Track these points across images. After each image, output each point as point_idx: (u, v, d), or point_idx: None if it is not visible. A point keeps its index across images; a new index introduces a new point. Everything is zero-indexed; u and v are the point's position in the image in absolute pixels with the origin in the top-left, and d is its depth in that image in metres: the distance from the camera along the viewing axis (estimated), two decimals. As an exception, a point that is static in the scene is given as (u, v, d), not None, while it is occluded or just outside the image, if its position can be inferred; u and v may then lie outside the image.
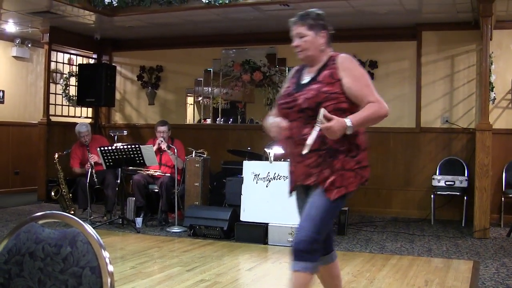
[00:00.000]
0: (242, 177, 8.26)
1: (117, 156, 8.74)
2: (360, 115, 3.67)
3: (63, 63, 13.14)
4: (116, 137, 9.60)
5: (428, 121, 10.70)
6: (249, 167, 8.22)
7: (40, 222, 2.30)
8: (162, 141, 9.51)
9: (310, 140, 3.62)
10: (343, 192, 3.74)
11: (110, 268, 2.09)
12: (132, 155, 8.76)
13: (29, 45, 12.89)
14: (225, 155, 10.65)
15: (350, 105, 3.76)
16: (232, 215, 8.19)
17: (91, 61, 13.38)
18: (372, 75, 11.07)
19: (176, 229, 8.69)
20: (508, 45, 10.13)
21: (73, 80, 13.12)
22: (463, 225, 9.62)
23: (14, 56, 12.72)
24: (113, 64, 12.97)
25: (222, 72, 12.04)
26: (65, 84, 13.06)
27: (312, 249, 3.69)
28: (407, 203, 10.80)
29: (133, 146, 8.79)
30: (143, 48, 12.95)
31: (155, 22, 11.01)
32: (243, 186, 8.19)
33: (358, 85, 3.74)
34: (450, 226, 9.63)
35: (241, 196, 8.17)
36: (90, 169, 9.32)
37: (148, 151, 8.88)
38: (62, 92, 13.01)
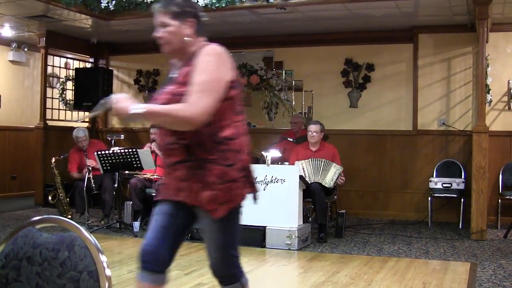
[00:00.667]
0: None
1: (114, 160, 8.73)
2: (158, 106, 3.13)
3: (60, 67, 13.13)
4: (113, 141, 9.60)
5: (425, 124, 10.72)
6: (246, 171, 8.20)
7: (38, 226, 2.31)
8: (152, 143, 9.52)
9: (91, 113, 3.24)
10: (231, 206, 3.23)
11: (108, 272, 2.09)
12: (129, 159, 8.75)
13: (26, 49, 12.88)
14: (222, 159, 10.62)
15: (218, 104, 3.13)
16: (229, 219, 8.17)
17: (88, 65, 13.36)
18: (369, 78, 11.11)
19: (173, 233, 8.66)
20: (504, 47, 10.15)
21: (70, 84, 13.10)
22: (460, 227, 9.63)
23: (10, 61, 12.71)
24: (110, 68, 12.96)
25: (219, 75, 12.00)
26: (62, 88, 13.05)
27: (234, 274, 3.54)
28: (404, 206, 10.81)
29: (130, 150, 8.78)
30: (140, 52, 12.93)
31: (152, 25, 10.89)
32: (240, 189, 8.17)
33: (194, 79, 3.12)
34: (447, 228, 9.64)
35: (239, 199, 8.15)
36: (87, 174, 9.32)
37: (145, 155, 8.87)
38: (59, 96, 12.99)
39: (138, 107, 3.03)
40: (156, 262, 3.46)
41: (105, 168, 8.79)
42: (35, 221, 2.32)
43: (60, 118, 12.90)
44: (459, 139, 10.50)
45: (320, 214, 8.38)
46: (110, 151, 8.77)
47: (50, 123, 12.11)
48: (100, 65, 13.13)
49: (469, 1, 8.75)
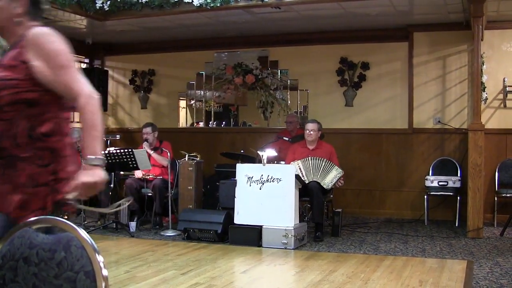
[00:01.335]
0: (236, 180, 8.25)
1: (110, 161, 8.72)
2: (96, 133, 2.79)
3: (55, 68, 13.08)
4: (109, 141, 9.61)
5: (420, 122, 10.72)
6: (243, 170, 8.22)
7: (34, 227, 2.30)
8: (144, 143, 9.55)
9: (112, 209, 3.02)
10: (44, 214, 2.64)
11: (105, 272, 2.09)
12: (125, 160, 8.74)
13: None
14: (218, 158, 10.65)
15: (43, 95, 2.76)
16: (226, 218, 8.19)
17: (83, 66, 13.34)
18: (364, 77, 11.11)
19: (170, 233, 8.68)
20: (499, 45, 10.17)
21: (65, 85, 13.06)
22: (456, 225, 9.64)
23: (5, 62, 12.67)
24: (105, 69, 12.95)
25: (214, 75, 12.03)
26: (57, 89, 13.01)
27: None
28: (400, 204, 10.82)
29: (126, 150, 8.77)
30: (135, 52, 12.93)
31: (146, 26, 11.00)
32: (236, 189, 8.19)
33: (51, 67, 2.74)
34: (443, 226, 9.65)
35: (235, 199, 8.17)
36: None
37: (141, 155, 8.86)
38: (55, 97, 12.96)
39: (95, 158, 2.73)
40: None
41: (101, 168, 8.76)
42: (32, 222, 2.32)
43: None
44: (455, 137, 10.51)
45: (317, 213, 8.38)
46: (106, 152, 8.75)
47: (45, 124, 12.07)
48: (95, 66, 13.11)
49: (463, -1, 8.77)
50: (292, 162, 8.58)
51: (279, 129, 10.99)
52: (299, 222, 8.11)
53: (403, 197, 10.82)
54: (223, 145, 11.84)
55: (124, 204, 3.03)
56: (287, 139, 9.51)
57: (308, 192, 8.40)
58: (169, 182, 9.08)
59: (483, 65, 9.58)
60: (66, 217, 2.65)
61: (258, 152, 8.42)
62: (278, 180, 7.96)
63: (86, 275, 2.08)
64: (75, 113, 2.86)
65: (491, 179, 10.03)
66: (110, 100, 12.93)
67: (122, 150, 8.79)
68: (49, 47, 2.78)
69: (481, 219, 8.60)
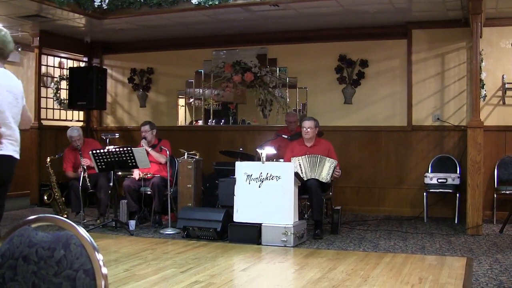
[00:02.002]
0: (235, 178, 8.26)
1: (109, 159, 8.71)
2: None
3: (54, 66, 13.09)
4: (108, 140, 9.59)
5: (419, 119, 10.73)
6: (242, 168, 8.22)
7: (33, 225, 2.30)
8: (144, 141, 9.53)
9: None
10: None
11: (104, 270, 2.09)
12: (124, 158, 8.73)
13: (19, 49, 12.84)
14: (217, 156, 10.65)
15: None
16: (225, 216, 8.19)
17: (82, 64, 13.33)
18: (363, 74, 11.12)
19: (169, 231, 8.68)
20: (498, 42, 10.17)
21: (64, 84, 13.08)
22: (456, 222, 9.65)
23: (4, 61, 12.66)
24: (104, 67, 12.94)
25: (213, 73, 12.04)
26: (56, 88, 13.02)
27: None
28: (399, 201, 10.83)
29: (125, 148, 8.77)
30: (133, 50, 12.94)
31: (145, 24, 11.00)
32: (235, 187, 8.19)
33: None
34: (443, 224, 9.65)
35: (234, 197, 8.17)
36: (82, 173, 9.31)
37: (140, 153, 8.85)
38: (53, 96, 12.96)
39: None
40: None
41: (100, 167, 8.78)
42: (31, 220, 2.32)
43: (55, 118, 12.87)
44: (454, 134, 10.51)
45: (316, 211, 8.38)
46: (105, 150, 8.75)
47: (44, 122, 12.09)
48: (94, 64, 13.11)
49: (462, -4, 8.78)
50: (292, 158, 8.57)
51: (278, 127, 10.99)
52: (299, 219, 8.11)
53: (403, 195, 10.82)
54: (222, 143, 11.85)
55: None
56: (286, 136, 9.50)
57: (307, 190, 8.40)
58: (168, 180, 9.08)
59: (482, 62, 9.58)
60: (65, 216, 2.66)
61: (257, 150, 8.42)
62: (277, 178, 7.96)
63: (85, 273, 2.07)
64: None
65: (490, 176, 10.04)
66: (109, 99, 12.93)
67: (121, 149, 8.78)
68: None
69: (481, 216, 8.60)
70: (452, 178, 9.89)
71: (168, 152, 9.26)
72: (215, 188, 9.37)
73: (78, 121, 13.31)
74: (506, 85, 10.04)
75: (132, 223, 8.95)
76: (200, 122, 12.50)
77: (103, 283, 2.07)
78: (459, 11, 9.65)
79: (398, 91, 10.93)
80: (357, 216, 10.49)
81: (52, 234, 2.20)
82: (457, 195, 9.75)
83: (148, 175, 9.45)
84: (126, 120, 13.15)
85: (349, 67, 11.19)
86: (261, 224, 7.89)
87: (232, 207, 8.19)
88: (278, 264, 6.80)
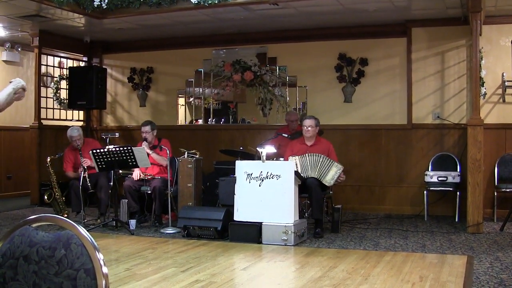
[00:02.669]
0: (235, 177, 8.25)
1: (109, 159, 8.71)
2: None
3: (54, 66, 13.10)
4: (108, 139, 9.58)
5: (419, 117, 10.73)
6: (242, 167, 8.22)
7: (34, 225, 2.30)
8: (143, 142, 9.51)
9: None
10: None
11: (105, 270, 2.09)
12: (124, 157, 8.73)
13: (19, 49, 12.86)
14: (217, 155, 10.66)
15: None
16: (225, 215, 8.19)
17: (82, 64, 13.34)
18: (363, 73, 11.12)
19: (170, 230, 8.68)
20: (497, 40, 10.16)
21: (64, 83, 13.08)
22: (456, 220, 9.65)
23: (4, 61, 12.68)
24: (104, 67, 12.95)
25: (213, 72, 12.03)
26: (56, 88, 13.02)
27: None
28: (400, 200, 10.83)
29: (125, 148, 8.77)
30: (133, 50, 12.94)
31: (144, 23, 11.00)
32: (236, 186, 8.19)
33: None
34: (443, 222, 9.65)
35: (234, 196, 8.17)
36: (83, 173, 9.30)
37: (140, 152, 8.85)
38: (53, 96, 12.97)
39: None
40: None
41: (100, 166, 8.77)
42: (31, 220, 2.32)
43: (55, 118, 12.87)
44: (454, 132, 10.51)
45: (316, 209, 8.38)
46: (105, 149, 8.75)
47: (44, 122, 12.09)
48: (93, 64, 13.12)
49: (462, -6, 8.77)
50: (290, 157, 8.57)
51: (278, 126, 10.98)
52: (299, 218, 8.11)
53: (403, 193, 10.82)
54: (222, 142, 11.85)
55: None
56: (286, 135, 9.50)
57: (307, 189, 8.40)
58: (168, 180, 9.07)
59: (482, 60, 9.58)
60: (66, 215, 2.66)
61: (257, 149, 8.41)
62: (278, 177, 7.96)
63: (86, 273, 2.07)
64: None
65: (490, 174, 10.04)
66: (109, 98, 12.94)
67: (121, 148, 8.78)
68: None
69: (481, 214, 8.60)
70: (453, 176, 9.89)
71: (168, 152, 9.25)
72: (216, 187, 9.37)
73: (78, 120, 13.32)
74: (506, 83, 10.05)
75: (133, 222, 8.95)
76: (200, 121, 12.51)
77: (103, 282, 2.07)
78: (459, 9, 9.65)
79: (398, 89, 10.93)
80: (358, 215, 10.49)
81: (53, 233, 2.20)
82: (458, 193, 9.75)
83: (149, 176, 9.44)
84: (126, 119, 13.15)
85: (349, 65, 11.19)
86: (261, 223, 7.89)
87: (233, 206, 8.19)
88: (278, 263, 6.80)
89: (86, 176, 9.30)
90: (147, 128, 9.61)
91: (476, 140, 8.56)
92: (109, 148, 8.80)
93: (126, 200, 9.28)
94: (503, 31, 10.16)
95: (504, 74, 10.05)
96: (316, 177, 8.46)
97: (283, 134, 9.54)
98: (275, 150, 8.90)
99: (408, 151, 10.83)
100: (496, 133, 10.09)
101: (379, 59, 11.08)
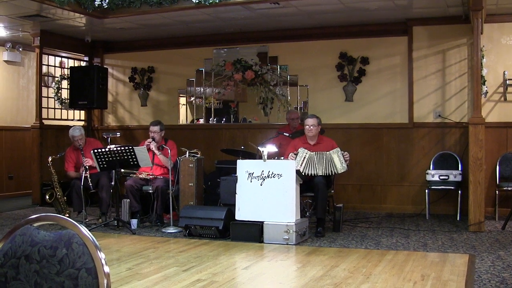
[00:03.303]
0: (236, 176, 8.25)
1: (110, 158, 8.71)
2: None
3: (55, 66, 13.11)
4: (109, 139, 9.58)
5: (420, 116, 10.72)
6: (243, 166, 8.21)
7: (35, 224, 2.30)
8: (151, 142, 9.47)
9: None
10: None
11: (106, 269, 2.09)
12: (125, 157, 8.73)
13: (20, 49, 12.87)
14: (218, 155, 10.66)
15: None
16: (227, 214, 8.19)
17: (83, 64, 13.34)
18: (364, 72, 11.11)
19: (171, 230, 8.68)
20: (499, 38, 10.16)
21: (65, 83, 13.09)
22: (458, 219, 9.65)
23: (5, 61, 12.69)
24: (105, 66, 12.95)
25: (214, 71, 12.03)
26: (57, 87, 13.03)
27: None
28: (401, 199, 10.83)
29: (126, 147, 8.77)
30: (134, 49, 12.94)
31: (145, 23, 11.00)
32: (237, 185, 8.19)
33: None
34: (445, 221, 9.65)
35: (236, 195, 8.17)
36: (84, 173, 9.30)
37: (141, 152, 8.85)
38: (55, 95, 12.97)
39: None
40: None
41: (101, 166, 8.77)
42: (33, 219, 2.32)
43: (56, 117, 12.88)
44: (455, 131, 10.51)
45: (321, 209, 8.38)
46: (107, 149, 8.74)
47: (46, 122, 12.10)
48: (95, 64, 13.12)
49: (463, -7, 8.77)
50: (300, 149, 8.50)
51: (279, 125, 10.99)
52: (300, 217, 8.11)
53: (404, 192, 10.82)
54: (223, 141, 11.86)
55: None
56: (287, 134, 9.49)
57: (312, 187, 8.39)
58: (170, 180, 9.07)
59: (483, 58, 9.58)
60: (67, 215, 2.66)
61: (259, 148, 8.41)
62: (279, 176, 7.95)
63: (88, 272, 2.08)
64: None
65: (492, 172, 10.04)
66: (110, 98, 12.95)
67: (122, 148, 8.78)
68: None
69: (483, 212, 8.60)
70: (454, 175, 9.89)
71: (170, 151, 9.23)
72: (217, 187, 9.37)
73: (79, 120, 13.32)
74: (507, 82, 10.04)
75: (134, 222, 8.96)
76: (201, 121, 12.51)
77: (105, 281, 2.07)
78: (460, 8, 9.65)
79: (399, 88, 10.92)
80: (359, 214, 10.49)
81: (54, 233, 2.20)
82: (459, 192, 9.75)
83: (151, 176, 9.43)
84: (127, 119, 13.16)
85: (350, 64, 11.19)
86: (263, 222, 7.89)
87: (234, 205, 8.19)
88: (280, 262, 6.80)
89: (88, 175, 9.29)
90: (156, 128, 9.58)
91: (478, 139, 8.55)
92: (110, 148, 8.79)
93: (128, 200, 9.27)
94: (505, 30, 10.15)
95: (506, 73, 10.05)
96: (327, 173, 8.42)
97: (284, 133, 9.53)
98: (276, 149, 8.90)
99: (410, 150, 10.83)
100: (498, 131, 10.09)
101: (380, 58, 11.07)
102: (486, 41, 9.97)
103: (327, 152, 8.50)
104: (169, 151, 9.24)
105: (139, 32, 11.89)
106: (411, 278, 5.86)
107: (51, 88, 13.02)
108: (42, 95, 12.10)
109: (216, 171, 10.49)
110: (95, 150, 8.73)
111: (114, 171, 8.99)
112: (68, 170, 9.77)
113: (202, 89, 12.33)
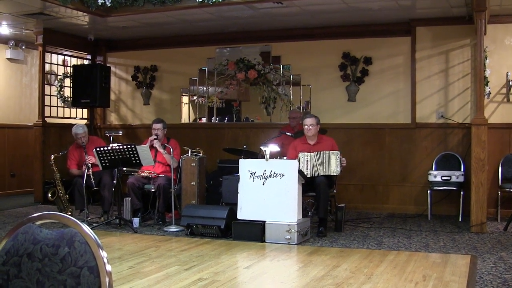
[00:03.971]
0: (238, 176, 8.25)
1: (113, 157, 8.71)
2: None
3: (58, 64, 13.12)
4: (111, 137, 9.58)
5: (423, 117, 10.71)
6: (245, 165, 8.21)
7: (38, 223, 2.30)
8: (155, 139, 9.47)
9: None
10: None
11: (108, 267, 2.08)
12: (128, 155, 8.73)
13: (23, 47, 12.88)
14: (221, 154, 10.66)
15: None
16: (229, 214, 8.19)
17: (86, 62, 13.35)
18: (366, 72, 11.11)
19: (173, 229, 8.68)
20: (502, 39, 10.14)
21: (67, 82, 13.09)
22: (460, 220, 9.64)
23: (8, 59, 12.71)
24: (108, 65, 12.96)
25: (216, 71, 12.04)
26: (59, 86, 13.04)
27: None
28: (403, 199, 10.82)
29: (129, 146, 8.77)
30: (137, 48, 12.94)
31: (148, 22, 11.00)
32: (239, 184, 8.19)
33: None
34: (447, 221, 9.64)
35: (238, 194, 8.17)
36: (86, 171, 9.29)
37: (144, 151, 8.85)
38: (57, 94, 12.98)
39: None
40: None
41: (104, 164, 8.77)
42: (35, 218, 2.32)
43: (59, 115, 12.88)
44: (458, 132, 10.50)
45: (323, 208, 8.37)
46: (109, 147, 8.74)
47: (48, 120, 12.11)
48: (97, 62, 13.13)
49: (466, -7, 8.75)
50: (300, 153, 8.51)
51: (282, 125, 10.99)
52: (302, 217, 8.11)
53: (406, 192, 10.81)
54: (225, 140, 11.86)
55: None
56: (290, 134, 9.48)
57: (314, 187, 8.38)
58: (172, 179, 9.08)
59: (486, 59, 9.55)
60: (69, 213, 2.66)
61: (261, 147, 8.41)
62: (281, 176, 7.95)
63: (89, 271, 2.07)
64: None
65: (494, 173, 10.02)
66: (112, 97, 12.94)
67: (125, 146, 8.78)
68: None
69: (485, 213, 8.59)
70: (456, 176, 9.88)
71: (173, 151, 9.23)
72: (219, 186, 9.38)
73: (82, 118, 13.32)
74: (510, 82, 10.03)
75: (136, 220, 8.96)
76: (204, 120, 12.51)
77: (107, 280, 2.07)
78: (463, 8, 9.64)
79: (402, 88, 10.91)
80: (361, 214, 10.48)
81: (56, 231, 2.20)
82: (461, 192, 9.74)
83: (153, 174, 9.43)
84: (129, 117, 13.16)
85: (353, 64, 11.18)
86: (264, 221, 7.89)
87: (236, 204, 8.19)
88: (281, 261, 6.80)
89: (90, 174, 9.29)
90: (159, 126, 9.59)
91: (480, 140, 8.54)
92: (112, 146, 8.79)
93: (130, 198, 9.28)
94: (508, 30, 10.14)
95: (509, 74, 10.03)
96: (324, 173, 8.42)
97: (287, 133, 9.52)
98: (278, 149, 8.90)
99: (412, 150, 10.82)
100: (500, 132, 10.07)
101: (383, 58, 11.06)
102: (489, 42, 9.95)
103: (326, 152, 8.49)
104: (171, 149, 9.25)
105: (142, 30, 11.89)
106: (413, 278, 5.85)
107: (53, 86, 13.04)
108: (45, 93, 12.11)
109: (218, 170, 10.49)
110: (97, 149, 8.72)
111: (116, 169, 9.00)
112: (71, 167, 9.77)
113: (204, 88, 12.33)
